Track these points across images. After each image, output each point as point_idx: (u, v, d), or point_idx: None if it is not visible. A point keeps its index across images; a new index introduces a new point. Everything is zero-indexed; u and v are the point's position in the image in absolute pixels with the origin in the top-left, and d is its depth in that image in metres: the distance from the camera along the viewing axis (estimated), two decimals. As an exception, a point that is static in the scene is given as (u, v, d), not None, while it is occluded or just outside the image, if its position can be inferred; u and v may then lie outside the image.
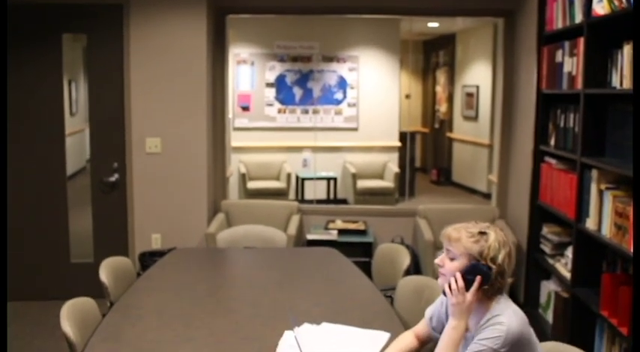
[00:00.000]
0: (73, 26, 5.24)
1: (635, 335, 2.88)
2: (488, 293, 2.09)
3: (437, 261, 2.20)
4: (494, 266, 2.06)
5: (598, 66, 3.72)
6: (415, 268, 5.28)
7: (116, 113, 5.26)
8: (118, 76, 5.23)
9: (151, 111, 5.26)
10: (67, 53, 5.24)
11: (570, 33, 4.10)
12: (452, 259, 2.14)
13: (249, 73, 8.44)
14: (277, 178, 8.29)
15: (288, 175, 8.07)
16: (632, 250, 3.03)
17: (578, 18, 3.97)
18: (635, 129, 2.95)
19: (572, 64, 4.05)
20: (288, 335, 2.56)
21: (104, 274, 3.36)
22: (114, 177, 5.29)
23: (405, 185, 8.55)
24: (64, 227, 5.36)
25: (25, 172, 5.25)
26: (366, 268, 3.93)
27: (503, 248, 2.09)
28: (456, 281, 2.08)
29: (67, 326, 2.60)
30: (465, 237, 2.11)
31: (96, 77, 5.27)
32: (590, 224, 3.69)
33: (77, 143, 5.78)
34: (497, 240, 2.09)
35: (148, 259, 5.13)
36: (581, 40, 3.85)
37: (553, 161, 4.41)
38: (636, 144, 2.93)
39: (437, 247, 4.87)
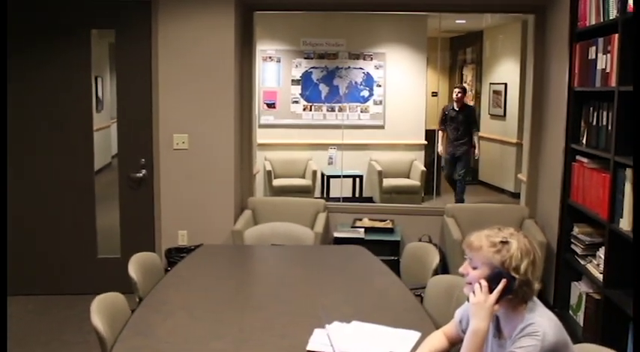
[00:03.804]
0: (101, 22, 5.28)
1: (636, 336, 2.83)
2: (513, 302, 2.07)
3: (461, 269, 2.17)
4: (517, 276, 2.03)
5: (633, 63, 3.66)
6: (443, 267, 5.24)
7: (144, 109, 5.29)
8: (146, 72, 5.25)
9: (179, 108, 5.28)
10: (93, 49, 5.28)
11: (604, 29, 4.04)
12: (474, 268, 2.11)
13: (275, 69, 8.46)
14: (303, 176, 8.30)
15: (314, 173, 8.08)
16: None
17: (613, 14, 3.91)
18: (635, 128, 2.90)
19: (605, 60, 3.99)
20: (318, 332, 2.55)
21: (133, 269, 3.38)
22: (141, 173, 5.32)
23: (433, 184, 8.51)
24: (92, 222, 5.41)
25: (52, 168, 5.30)
26: (394, 266, 3.91)
27: (526, 257, 2.05)
28: (481, 286, 2.05)
29: (98, 320, 2.62)
30: (486, 246, 2.08)
31: (124, 73, 5.30)
32: (624, 224, 3.64)
33: (103, 139, 5.82)
34: (519, 249, 2.05)
35: (175, 255, 5.16)
36: (616, 37, 3.80)
37: (585, 160, 4.35)
38: (636, 143, 2.88)
39: (462, 246, 4.83)
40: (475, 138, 8.28)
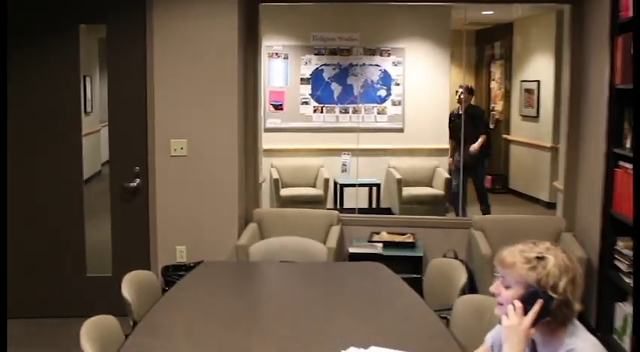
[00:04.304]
0: (91, 16, 5.31)
1: (636, 336, 2.81)
2: (551, 326, 2.05)
3: (492, 288, 2.16)
4: (555, 296, 2.02)
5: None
6: (471, 286, 5.22)
7: (138, 112, 5.31)
8: (140, 71, 5.27)
9: (177, 110, 5.30)
10: (81, 46, 5.30)
11: (650, 20, 4.02)
12: (507, 287, 2.10)
13: (282, 67, 8.47)
14: (313, 185, 8.29)
15: (326, 181, 8.07)
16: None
17: (660, 3, 3.90)
18: (635, 128, 2.89)
19: (652, 55, 3.97)
20: (333, 359, 2.55)
21: (127, 289, 3.38)
22: (135, 183, 5.34)
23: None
24: (80, 237, 5.42)
25: (37, 176, 5.32)
26: (417, 285, 3.89)
27: (565, 274, 2.04)
28: (514, 307, 2.04)
29: (88, 346, 2.62)
30: (519, 262, 2.07)
31: (116, 72, 5.33)
32: (675, 237, 3.61)
33: (92, 145, 5.85)
34: (557, 266, 2.04)
35: (172, 273, 5.17)
36: (663, 28, 3.78)
37: (629, 165, 4.33)
38: (636, 143, 2.86)
39: (494, 263, 4.81)
40: (480, 139, 8.05)
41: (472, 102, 8.47)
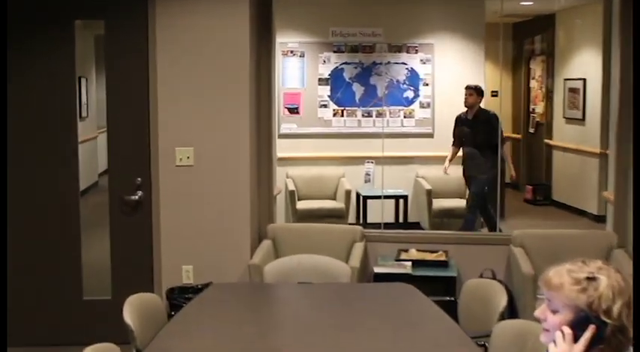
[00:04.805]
0: (87, 11, 5.36)
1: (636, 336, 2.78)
2: None
3: (537, 313, 2.15)
4: (609, 321, 2.00)
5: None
6: (511, 310, 5.20)
7: (139, 117, 5.33)
8: (142, 72, 5.29)
9: (182, 115, 5.32)
10: (77, 44, 5.33)
11: None
12: (554, 311, 2.09)
13: (298, 66, 8.51)
14: (333, 197, 8.31)
15: (347, 193, 8.08)
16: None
17: None
18: (635, 128, 2.87)
19: None
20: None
21: (129, 314, 3.39)
22: (137, 195, 5.36)
23: (496, 205, 8.45)
24: (76, 256, 5.43)
25: (28, 188, 5.34)
26: (450, 309, 3.89)
27: (620, 296, 2.01)
28: (563, 334, 2.03)
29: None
30: (568, 284, 2.05)
31: (115, 73, 5.36)
32: None
33: (88, 153, 5.88)
34: (610, 287, 2.02)
35: (178, 296, 5.18)
36: None
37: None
38: (636, 143, 2.84)
39: (538, 283, 4.79)
40: (504, 151, 7.74)
41: (482, 106, 7.87)
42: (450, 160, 8.03)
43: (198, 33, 5.28)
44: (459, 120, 7.94)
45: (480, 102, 7.75)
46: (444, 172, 8.10)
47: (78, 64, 5.38)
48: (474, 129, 7.73)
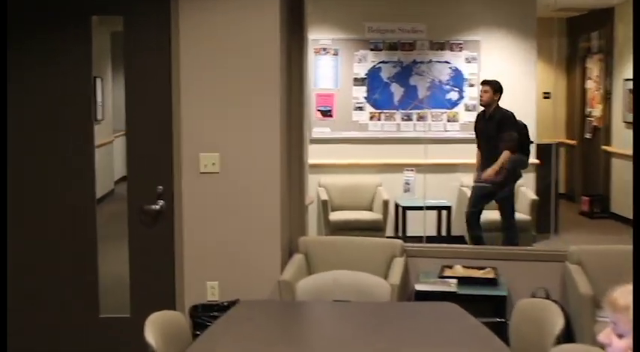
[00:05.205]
0: (104, 6, 5.40)
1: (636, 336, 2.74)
2: None
3: (601, 337, 2.14)
4: None
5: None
6: (567, 333, 5.15)
7: (161, 120, 5.35)
8: (164, 72, 5.31)
9: (207, 118, 5.34)
10: (93, 41, 5.36)
11: None
12: (620, 336, 2.08)
13: (331, 65, 8.53)
14: (370, 207, 8.31)
15: (385, 203, 8.08)
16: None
17: None
18: (635, 128, 2.82)
19: None
20: None
21: (151, 333, 3.40)
22: (158, 205, 5.37)
23: (549, 218, 8.40)
24: (92, 270, 5.45)
25: (40, 196, 5.38)
26: (500, 331, 3.89)
27: None
28: None
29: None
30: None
31: (134, 73, 5.38)
32: None
33: (104, 159, 5.91)
34: None
35: (202, 315, 5.19)
36: None
37: None
38: (636, 143, 2.80)
39: (597, 304, 4.76)
40: (501, 157, 7.48)
41: (499, 104, 7.73)
42: (478, 167, 7.88)
43: (223, 29, 5.30)
44: (477, 120, 7.94)
45: (498, 99, 7.64)
46: (474, 181, 7.90)
47: (94, 64, 5.42)
48: (490, 131, 7.67)
